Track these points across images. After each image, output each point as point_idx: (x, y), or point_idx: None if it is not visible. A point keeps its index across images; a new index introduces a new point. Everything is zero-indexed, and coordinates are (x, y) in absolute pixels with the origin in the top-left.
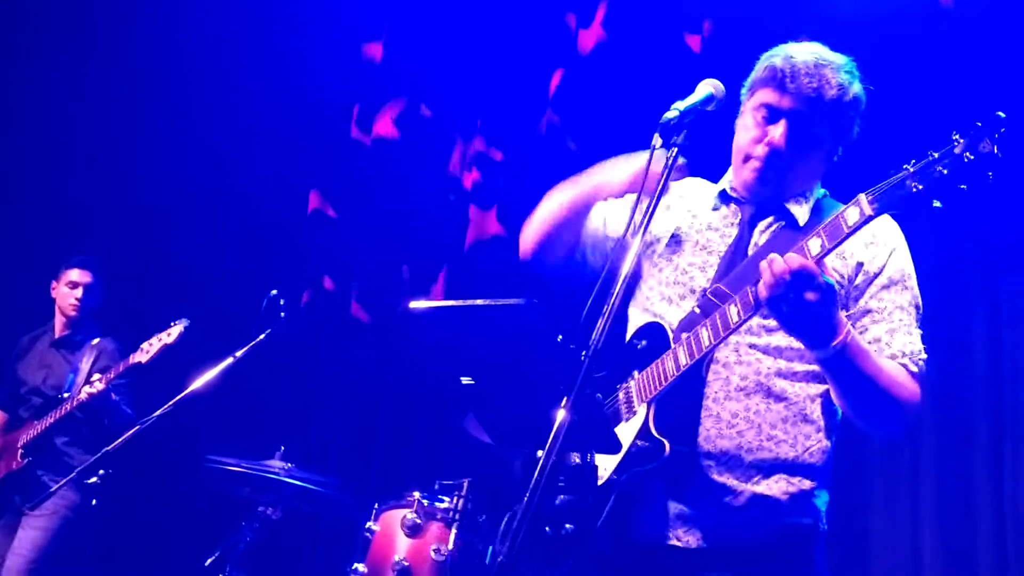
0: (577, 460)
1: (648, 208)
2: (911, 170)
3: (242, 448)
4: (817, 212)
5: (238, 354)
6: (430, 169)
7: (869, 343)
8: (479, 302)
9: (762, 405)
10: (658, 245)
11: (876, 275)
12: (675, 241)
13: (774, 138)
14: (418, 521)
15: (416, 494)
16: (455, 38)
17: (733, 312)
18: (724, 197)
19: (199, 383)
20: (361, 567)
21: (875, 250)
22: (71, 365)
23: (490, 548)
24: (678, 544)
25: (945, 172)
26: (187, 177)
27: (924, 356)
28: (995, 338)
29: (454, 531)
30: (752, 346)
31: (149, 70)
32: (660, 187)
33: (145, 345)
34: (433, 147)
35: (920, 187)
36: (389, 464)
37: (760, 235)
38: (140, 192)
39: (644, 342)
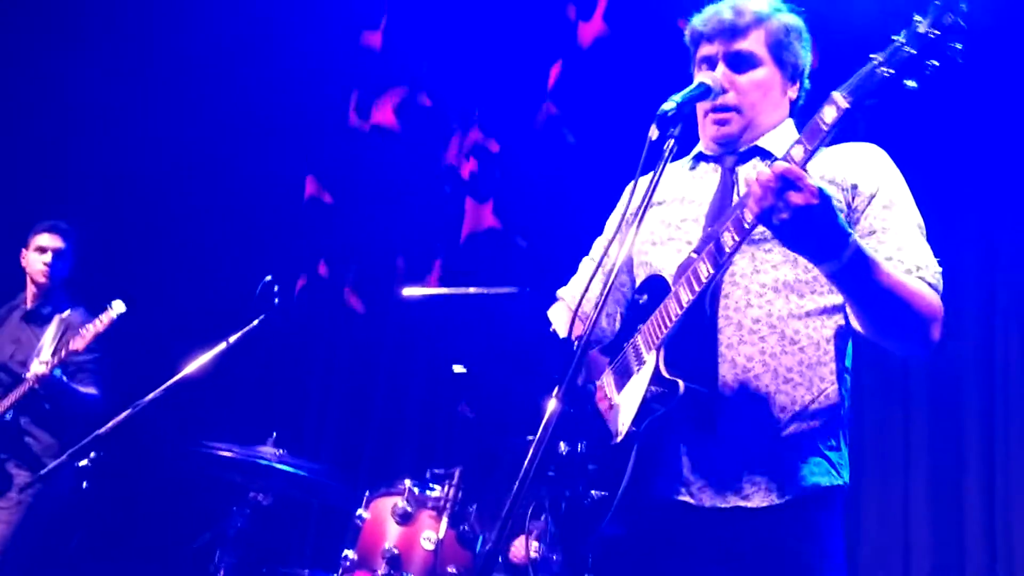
0: (567, 449)
1: (645, 197)
2: (880, 59)
3: (234, 434)
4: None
5: (231, 339)
6: (427, 158)
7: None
8: (472, 290)
9: (777, 348)
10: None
11: (874, 195)
12: (657, 204)
13: (718, 79)
14: (409, 509)
15: (407, 482)
16: (454, 28)
17: (727, 237)
18: (698, 158)
19: (192, 367)
20: (351, 554)
21: (868, 171)
22: (40, 340)
23: (480, 537)
24: (692, 502)
25: (914, 52)
26: (183, 157)
27: (939, 270)
28: (987, 327)
29: (445, 520)
30: (762, 285)
31: (143, 42)
32: (657, 176)
33: (83, 330)
34: (430, 136)
35: (891, 72)
36: (381, 452)
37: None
38: (135, 167)
39: (645, 296)
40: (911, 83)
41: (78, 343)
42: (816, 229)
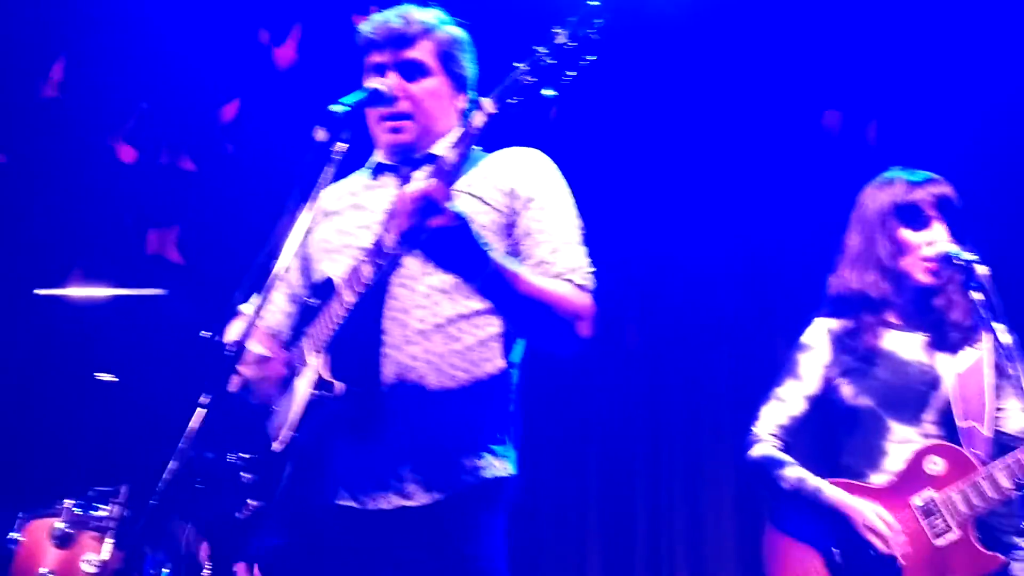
0: (225, 457)
1: (310, 200)
2: (523, 67)
3: None
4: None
5: None
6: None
7: (535, 265)
8: (116, 292)
9: (442, 347)
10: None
11: (532, 199)
12: (334, 213)
13: (391, 86)
14: (68, 531)
15: (68, 502)
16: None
17: (387, 239)
18: (377, 169)
19: None
20: None
21: (526, 176)
22: None
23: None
24: (356, 506)
25: (552, 62)
26: None
27: (591, 270)
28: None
29: (109, 540)
30: (430, 287)
31: None
32: (325, 179)
33: None
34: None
35: (533, 79)
36: (40, 470)
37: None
38: None
39: (315, 300)
40: (549, 91)
41: None
42: (455, 249)
